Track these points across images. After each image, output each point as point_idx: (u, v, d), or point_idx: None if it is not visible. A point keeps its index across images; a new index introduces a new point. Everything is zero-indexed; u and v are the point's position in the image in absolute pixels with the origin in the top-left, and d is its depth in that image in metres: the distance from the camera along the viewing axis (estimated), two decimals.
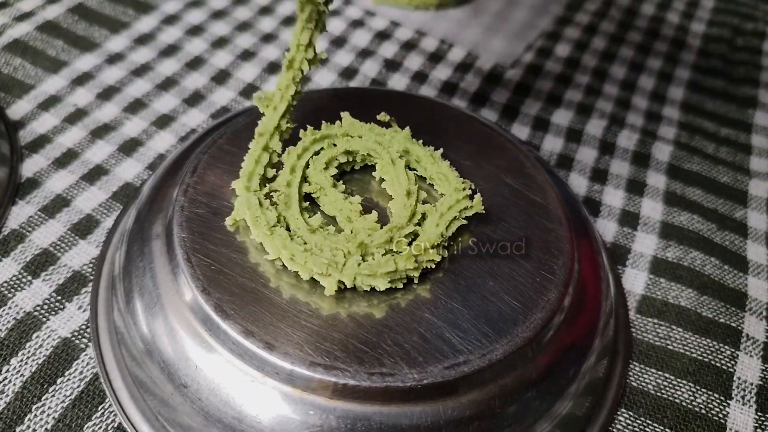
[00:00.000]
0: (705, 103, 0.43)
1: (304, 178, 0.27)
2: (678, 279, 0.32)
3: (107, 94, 0.37)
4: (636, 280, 0.32)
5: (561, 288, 0.25)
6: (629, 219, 0.35)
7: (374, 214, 0.25)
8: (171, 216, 0.26)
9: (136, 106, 0.37)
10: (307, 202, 0.26)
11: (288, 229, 0.25)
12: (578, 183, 0.37)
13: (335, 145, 0.28)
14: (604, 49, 0.47)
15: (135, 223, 0.28)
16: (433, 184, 0.28)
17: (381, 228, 0.25)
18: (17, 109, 0.36)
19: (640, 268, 0.32)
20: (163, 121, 0.36)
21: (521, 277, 0.25)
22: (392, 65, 0.43)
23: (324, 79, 0.41)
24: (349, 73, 0.42)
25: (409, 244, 0.25)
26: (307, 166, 0.27)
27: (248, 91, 0.39)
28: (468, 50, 0.45)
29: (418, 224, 0.26)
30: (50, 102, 0.36)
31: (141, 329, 0.24)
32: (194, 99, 0.38)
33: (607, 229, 0.34)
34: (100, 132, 0.35)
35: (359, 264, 0.23)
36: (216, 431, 0.22)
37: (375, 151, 0.28)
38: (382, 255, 0.24)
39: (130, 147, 0.35)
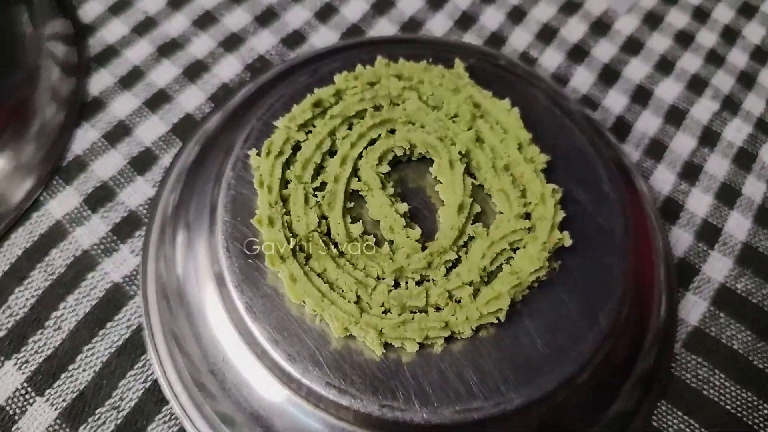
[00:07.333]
0: None
1: (355, 171, 0.25)
2: (740, 317, 0.29)
3: (178, 2, 0.35)
4: (694, 309, 0.30)
5: (598, 341, 0.24)
6: (708, 233, 0.31)
7: (417, 231, 0.24)
8: (216, 195, 0.25)
9: (205, 21, 0.35)
10: (352, 203, 0.25)
11: (328, 233, 0.24)
12: (664, 178, 0.33)
13: (394, 131, 0.26)
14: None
15: (188, 177, 0.28)
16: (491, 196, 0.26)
17: (422, 246, 0.24)
18: (89, 11, 0.35)
19: (702, 296, 0.30)
20: (231, 43, 0.35)
21: (560, 319, 0.24)
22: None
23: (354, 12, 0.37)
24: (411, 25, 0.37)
25: (448, 271, 0.24)
26: (359, 156, 0.26)
27: (324, 11, 0.36)
28: None
29: (464, 245, 0.24)
30: (121, 6, 0.35)
31: (185, 300, 0.26)
32: (267, 17, 0.36)
33: (680, 241, 0.31)
34: (167, 50, 0.34)
35: (389, 291, 0.23)
36: (241, 414, 0.24)
37: (435, 148, 0.26)
38: (416, 283, 0.23)
39: (194, 71, 0.33)
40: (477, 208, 0.25)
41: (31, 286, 0.27)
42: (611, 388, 0.26)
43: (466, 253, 0.24)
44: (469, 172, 0.26)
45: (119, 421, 0.25)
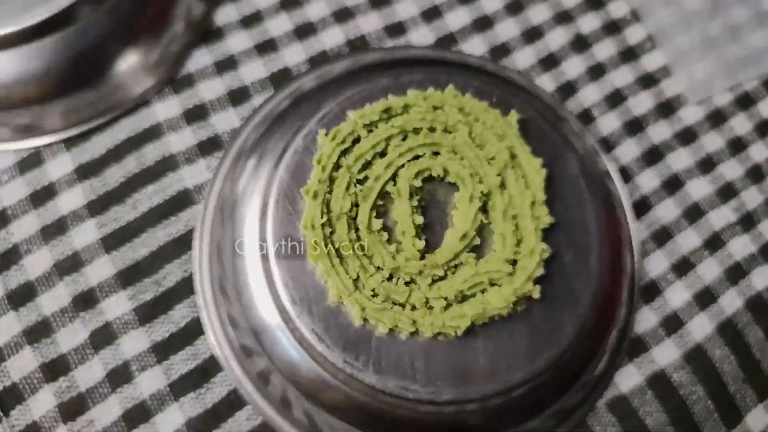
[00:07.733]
0: None
1: (394, 176, 0.31)
2: (663, 401, 0.34)
3: None
4: (628, 380, 0.34)
5: (528, 377, 0.29)
6: (672, 324, 0.36)
7: (422, 243, 0.30)
8: (284, 153, 0.31)
9: None
10: (382, 202, 0.31)
11: (355, 218, 0.30)
12: (657, 264, 0.37)
13: (437, 154, 0.31)
14: None
15: (275, 124, 0.34)
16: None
17: (421, 256, 0.29)
18: None
19: (641, 373, 0.35)
20: (342, 15, 0.39)
21: (506, 350, 0.29)
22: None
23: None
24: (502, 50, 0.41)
25: (433, 282, 0.29)
26: (402, 165, 0.31)
27: (430, 13, 0.40)
28: (668, 60, 0.42)
29: (455, 266, 0.30)
30: None
31: (235, 223, 0.32)
32: (380, 0, 0.40)
33: (645, 320, 0.36)
34: (288, 3, 0.39)
35: (382, 281, 0.29)
36: (245, 324, 0.31)
37: (464, 181, 0.31)
38: (405, 282, 0.29)
39: (304, 31, 0.39)
40: (477, 241, 0.30)
41: (124, 168, 0.34)
42: (527, 412, 0.32)
43: (453, 273, 0.30)
44: (484, 209, 0.31)
45: (157, 293, 0.33)
